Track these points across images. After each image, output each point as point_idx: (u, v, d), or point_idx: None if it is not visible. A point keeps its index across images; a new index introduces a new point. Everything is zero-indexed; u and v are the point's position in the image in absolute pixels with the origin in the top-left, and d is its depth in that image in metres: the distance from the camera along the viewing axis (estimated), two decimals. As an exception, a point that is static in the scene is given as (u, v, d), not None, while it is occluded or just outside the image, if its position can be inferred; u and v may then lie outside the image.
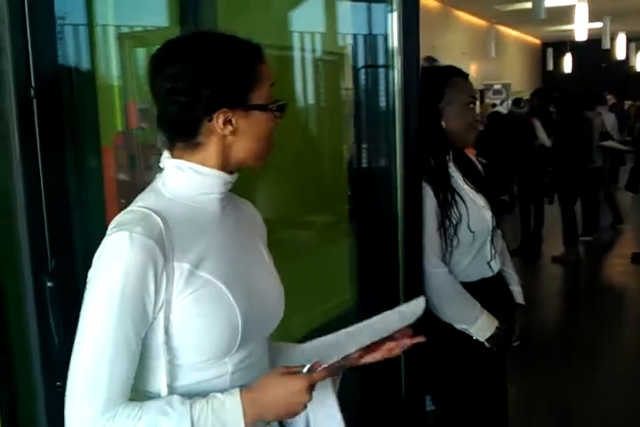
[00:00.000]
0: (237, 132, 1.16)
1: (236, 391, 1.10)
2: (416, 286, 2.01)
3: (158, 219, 1.11)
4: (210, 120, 1.14)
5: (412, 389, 2.19)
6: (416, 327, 1.28)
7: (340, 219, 2.63)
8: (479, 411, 2.15)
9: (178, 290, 1.10)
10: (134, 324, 1.07)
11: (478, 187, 2.16)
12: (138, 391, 1.13)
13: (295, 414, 1.14)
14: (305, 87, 2.62)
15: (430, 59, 4.52)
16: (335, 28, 2.50)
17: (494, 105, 10.77)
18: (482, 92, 12.92)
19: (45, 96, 1.32)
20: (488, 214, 2.13)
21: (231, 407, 1.08)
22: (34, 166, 1.33)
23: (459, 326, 2.06)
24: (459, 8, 12.09)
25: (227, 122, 1.15)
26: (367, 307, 2.32)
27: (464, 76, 2.15)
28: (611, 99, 10.00)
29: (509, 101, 12.05)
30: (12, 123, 1.30)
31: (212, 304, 1.12)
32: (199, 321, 1.11)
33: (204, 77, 1.12)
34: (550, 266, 6.64)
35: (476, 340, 2.06)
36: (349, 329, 1.31)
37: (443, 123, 2.08)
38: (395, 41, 1.92)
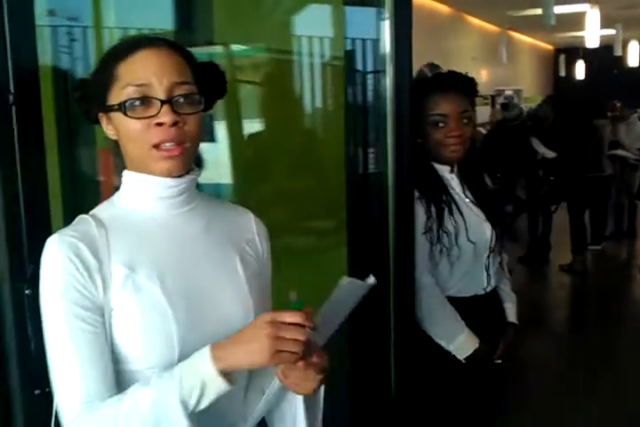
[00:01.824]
0: (118, 135, 1.14)
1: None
2: (406, 296, 1.98)
3: (93, 224, 1.12)
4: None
5: (402, 396, 2.15)
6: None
7: (337, 228, 2.60)
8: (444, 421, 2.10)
9: (115, 294, 1.09)
10: (85, 316, 1.06)
11: (482, 201, 2.12)
12: None
13: (265, 351, 1.01)
14: (300, 92, 2.60)
15: (432, 65, 4.45)
16: (329, 33, 2.47)
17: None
18: (493, 97, 12.86)
19: (24, 101, 1.31)
20: (488, 228, 2.10)
21: (199, 354, 1.04)
22: (13, 172, 1.32)
23: (438, 341, 2.03)
24: (470, 13, 12.04)
25: (107, 125, 1.15)
26: (356, 314, 2.30)
27: (444, 90, 2.04)
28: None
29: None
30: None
31: (145, 310, 1.09)
32: (131, 328, 1.09)
33: (80, 86, 1.17)
34: (557, 274, 6.58)
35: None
36: None
37: (420, 138, 2.06)
38: (387, 47, 1.89)
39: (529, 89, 15.95)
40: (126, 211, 1.16)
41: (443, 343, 2.02)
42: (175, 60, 1.11)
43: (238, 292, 1.20)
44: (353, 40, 2.22)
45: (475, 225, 2.06)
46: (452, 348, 2.02)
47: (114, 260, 1.09)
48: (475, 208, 2.10)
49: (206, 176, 2.48)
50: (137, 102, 1.08)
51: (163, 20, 2.24)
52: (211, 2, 2.19)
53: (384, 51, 1.92)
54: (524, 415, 3.40)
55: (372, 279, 1.15)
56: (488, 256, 2.10)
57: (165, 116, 1.07)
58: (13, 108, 1.29)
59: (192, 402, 1.02)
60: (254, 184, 2.69)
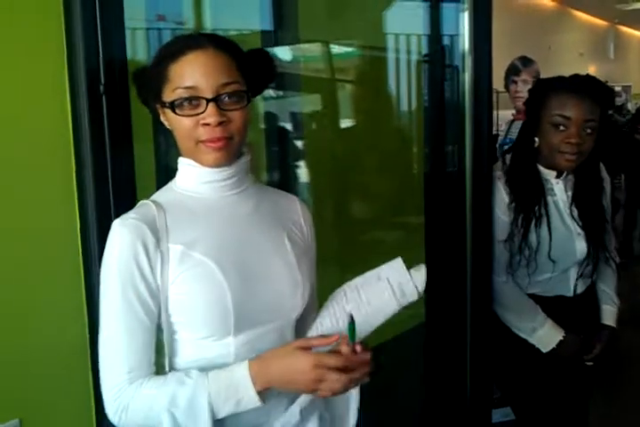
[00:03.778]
0: (171, 127, 1.22)
1: (246, 360, 1.15)
2: (483, 292, 1.97)
3: (153, 207, 1.21)
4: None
5: (477, 398, 2.16)
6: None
7: (416, 225, 2.60)
8: (556, 417, 2.08)
9: (173, 269, 1.17)
10: (138, 296, 1.16)
11: (588, 212, 2.04)
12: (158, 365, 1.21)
13: (303, 391, 1.15)
14: (379, 90, 2.61)
15: (525, 58, 4.35)
16: (408, 29, 2.47)
17: (610, 108, 10.26)
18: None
19: (114, 92, 1.39)
20: (580, 245, 2.02)
21: (241, 375, 1.13)
22: (103, 159, 1.41)
23: (520, 335, 2.02)
24: (576, 8, 11.65)
25: (163, 115, 1.23)
26: (435, 308, 2.30)
27: (575, 91, 1.91)
28: None
29: (630, 104, 11.52)
30: (83, 118, 1.38)
31: (202, 282, 1.17)
32: (189, 298, 1.17)
33: (139, 77, 1.26)
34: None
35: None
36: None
37: (536, 139, 1.97)
38: (466, 42, 1.87)
39: (639, 85, 15.29)
40: (182, 194, 1.25)
41: (525, 336, 2.01)
42: (222, 61, 1.18)
43: (288, 266, 1.27)
44: (433, 36, 2.21)
45: (561, 242, 1.98)
46: (533, 341, 2.00)
47: (171, 239, 1.18)
48: (569, 221, 2.01)
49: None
50: (185, 102, 1.17)
51: (258, 21, 2.33)
52: (297, 2, 2.25)
53: (464, 46, 1.90)
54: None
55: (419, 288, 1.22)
56: (578, 269, 2.04)
57: (211, 117, 1.16)
58: (104, 97, 1.37)
59: (221, 414, 1.13)
60: (341, 181, 2.74)
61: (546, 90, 1.97)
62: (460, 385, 2.16)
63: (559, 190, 2.02)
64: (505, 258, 1.99)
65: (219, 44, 1.19)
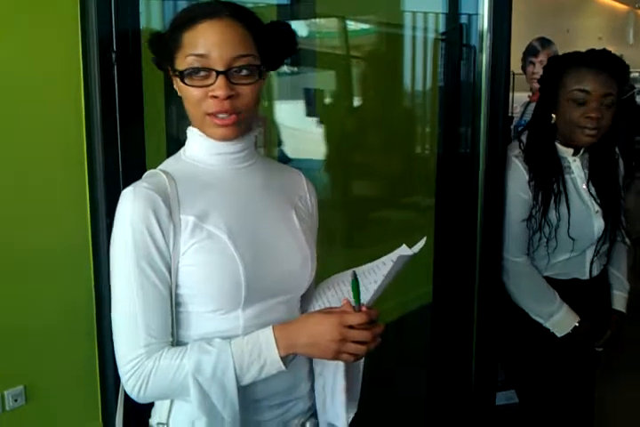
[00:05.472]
0: (182, 96, 1.19)
1: (270, 326, 1.15)
2: (492, 275, 1.96)
3: (164, 176, 1.18)
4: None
5: (482, 381, 2.16)
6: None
7: (429, 207, 2.58)
8: (561, 402, 2.06)
9: (184, 241, 1.15)
10: (153, 266, 1.13)
11: (605, 189, 2.02)
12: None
13: (326, 354, 1.13)
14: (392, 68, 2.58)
15: (543, 40, 4.29)
16: (424, 7, 2.43)
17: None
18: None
19: (126, 61, 1.38)
20: (598, 222, 2.01)
21: (264, 338, 1.13)
22: (113, 127, 1.41)
23: (535, 318, 2.00)
24: (598, -9, 11.45)
25: (176, 83, 1.19)
26: (442, 290, 2.30)
27: (593, 66, 1.89)
28: None
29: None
30: (94, 86, 1.38)
31: (213, 254, 1.16)
32: (200, 270, 1.15)
33: (154, 42, 1.20)
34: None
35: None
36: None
37: (553, 117, 1.95)
38: (485, 23, 1.84)
39: (657, 72, 15.08)
40: (191, 165, 1.22)
41: (540, 320, 2.00)
42: (237, 32, 1.14)
43: (296, 241, 1.26)
44: (451, 14, 2.16)
45: (580, 220, 1.97)
46: (549, 325, 1.99)
47: (183, 210, 1.16)
48: (587, 198, 2.00)
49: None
50: (195, 72, 1.13)
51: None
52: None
53: (482, 27, 1.86)
54: None
55: (413, 250, 1.17)
56: (596, 246, 2.02)
57: (219, 90, 1.12)
58: (115, 66, 1.37)
59: (246, 380, 1.13)
60: (354, 160, 2.73)
61: (562, 66, 1.95)
62: (465, 367, 2.16)
63: (576, 168, 2.01)
64: (525, 237, 1.98)
65: (236, 13, 1.15)
